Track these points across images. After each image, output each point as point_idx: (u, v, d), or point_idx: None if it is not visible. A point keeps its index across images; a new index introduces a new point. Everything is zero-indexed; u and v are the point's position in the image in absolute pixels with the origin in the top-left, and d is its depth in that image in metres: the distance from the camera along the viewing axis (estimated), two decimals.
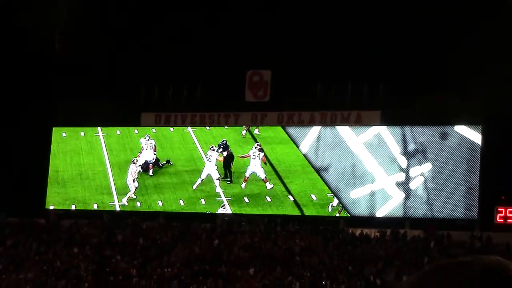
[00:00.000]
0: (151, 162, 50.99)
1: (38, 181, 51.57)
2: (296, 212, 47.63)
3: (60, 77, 52.11)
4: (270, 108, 48.46)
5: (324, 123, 47.60)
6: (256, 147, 49.21)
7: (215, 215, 48.76)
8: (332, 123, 47.42)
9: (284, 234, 45.63)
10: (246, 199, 48.63)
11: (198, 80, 49.08)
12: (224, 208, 49.25)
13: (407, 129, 46.26)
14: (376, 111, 46.44)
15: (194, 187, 49.73)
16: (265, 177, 48.64)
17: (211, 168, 49.65)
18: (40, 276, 44.66)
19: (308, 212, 47.42)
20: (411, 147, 46.07)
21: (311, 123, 47.89)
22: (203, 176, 49.72)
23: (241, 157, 49.43)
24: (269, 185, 48.47)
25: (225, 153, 49.47)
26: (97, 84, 50.52)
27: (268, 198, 48.25)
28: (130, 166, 51.13)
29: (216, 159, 49.61)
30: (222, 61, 48.23)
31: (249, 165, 49.04)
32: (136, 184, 50.76)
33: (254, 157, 49.06)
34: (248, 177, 48.90)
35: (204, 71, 48.60)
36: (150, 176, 51.22)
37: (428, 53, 46.06)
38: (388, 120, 46.21)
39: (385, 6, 46.46)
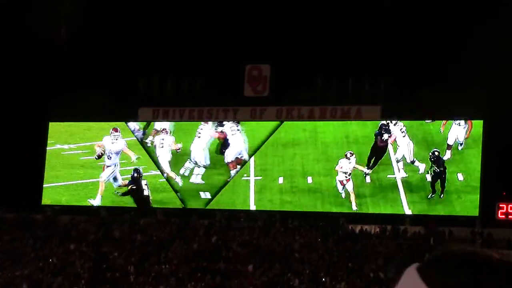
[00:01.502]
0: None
1: (35, 177, 51.22)
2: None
3: (57, 72, 51.83)
4: (269, 102, 48.08)
5: (324, 118, 47.18)
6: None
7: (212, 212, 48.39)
8: (332, 118, 47.01)
9: (283, 230, 45.24)
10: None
11: (197, 75, 48.72)
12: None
13: (404, 123, 45.89)
14: (376, 106, 46.11)
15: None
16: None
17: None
18: (36, 273, 44.28)
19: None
20: (409, 142, 45.73)
21: (310, 118, 47.45)
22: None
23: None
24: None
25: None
26: (95, 79, 50.15)
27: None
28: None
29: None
30: (221, 56, 47.94)
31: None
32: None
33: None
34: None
35: (203, 65, 48.27)
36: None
37: (428, 49, 45.91)
38: (388, 115, 45.91)
39: (386, 2, 46.30)
